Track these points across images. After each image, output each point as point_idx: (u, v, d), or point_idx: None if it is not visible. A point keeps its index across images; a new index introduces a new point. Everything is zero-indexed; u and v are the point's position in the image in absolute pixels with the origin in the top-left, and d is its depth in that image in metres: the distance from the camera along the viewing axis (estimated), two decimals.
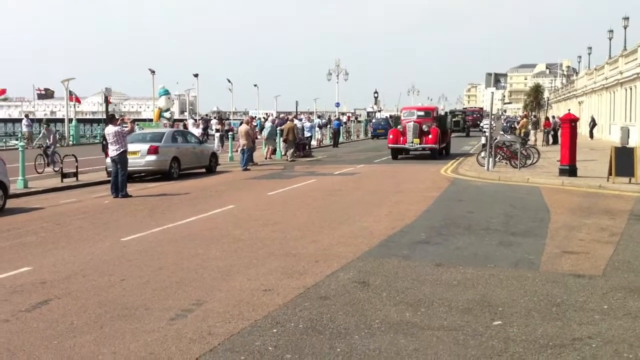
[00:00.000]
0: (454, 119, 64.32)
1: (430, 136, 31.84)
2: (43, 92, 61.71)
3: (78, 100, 56.02)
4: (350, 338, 6.44)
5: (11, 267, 9.66)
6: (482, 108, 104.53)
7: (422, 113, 33.60)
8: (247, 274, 9.11)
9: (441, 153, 33.79)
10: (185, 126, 58.60)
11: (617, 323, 6.83)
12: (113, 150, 18.54)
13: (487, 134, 25.96)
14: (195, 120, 62.62)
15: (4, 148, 41.12)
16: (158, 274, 9.15)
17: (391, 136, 33.19)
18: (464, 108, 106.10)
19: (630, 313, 7.18)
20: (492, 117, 28.24)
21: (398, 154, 33.09)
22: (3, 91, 52.70)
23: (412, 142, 31.95)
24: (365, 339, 6.40)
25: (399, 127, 33.24)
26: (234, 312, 7.31)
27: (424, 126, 31.93)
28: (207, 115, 74.82)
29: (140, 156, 22.53)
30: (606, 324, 6.81)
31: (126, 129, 19.17)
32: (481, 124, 73.65)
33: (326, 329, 6.73)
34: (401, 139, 32.24)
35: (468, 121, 70.39)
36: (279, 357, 5.95)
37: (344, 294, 8.03)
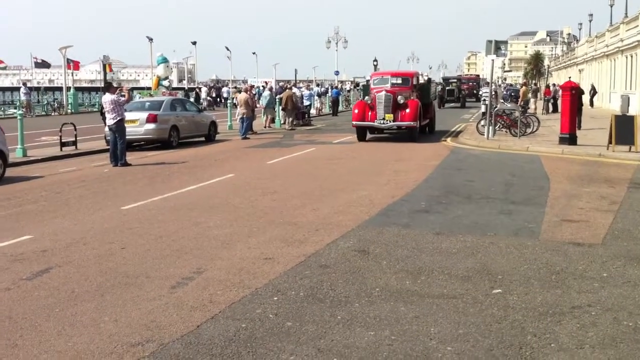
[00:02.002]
0: (447, 88, 59.46)
1: (407, 110, 24.44)
2: (40, 62, 61.36)
3: (77, 67, 55.58)
4: (350, 306, 6.47)
5: (12, 236, 9.67)
6: (479, 75, 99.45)
7: (397, 80, 26.00)
8: (247, 242, 9.13)
9: (424, 131, 27.42)
10: (198, 93, 59.54)
11: (617, 291, 6.85)
12: (110, 119, 18.50)
13: (487, 102, 25.87)
14: (209, 87, 62.94)
15: (3, 117, 40.98)
16: (159, 243, 9.16)
17: (356, 111, 25.42)
18: (458, 75, 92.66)
19: (629, 281, 7.21)
20: (492, 85, 28.00)
21: (365, 134, 25.77)
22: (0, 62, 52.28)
23: (384, 119, 24.46)
24: (365, 307, 6.43)
25: (366, 98, 25.95)
26: (234, 280, 7.33)
27: (399, 97, 24.58)
28: (218, 83, 74.78)
29: (139, 125, 22.45)
30: (606, 292, 6.84)
31: (123, 98, 19.07)
32: (480, 92, 72.13)
33: (327, 297, 6.76)
34: (369, 114, 24.82)
35: (463, 90, 62.99)
36: (280, 324, 5.98)
37: (344, 262, 8.05)
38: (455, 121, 36.78)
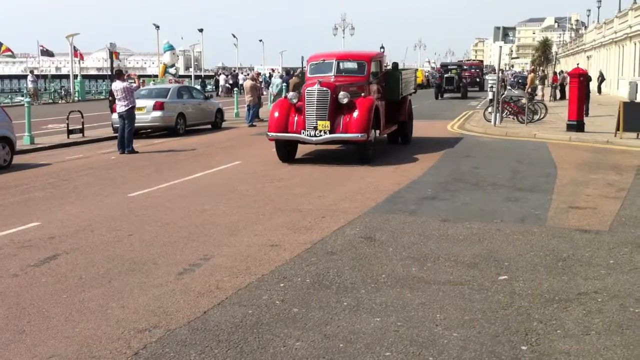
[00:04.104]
0: (446, 76, 51.72)
1: (354, 115, 15.40)
2: (46, 50, 61.46)
3: (81, 57, 55.73)
4: (356, 292, 6.48)
5: (19, 222, 9.71)
6: (482, 61, 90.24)
7: (346, 66, 17.53)
8: (253, 229, 9.14)
9: (395, 141, 19.62)
10: (217, 81, 59.92)
11: (624, 278, 6.85)
12: (121, 106, 18.48)
13: (494, 89, 25.77)
14: (227, 75, 63.30)
15: (10, 104, 41.05)
16: (166, 229, 9.19)
17: (276, 114, 15.95)
18: (459, 61, 79.61)
19: (636, 268, 7.20)
20: (500, 72, 27.76)
21: (292, 150, 16.41)
22: (8, 49, 52.28)
23: (316, 129, 15.38)
24: (371, 293, 6.44)
25: (290, 95, 16.58)
26: (241, 267, 7.35)
27: (341, 94, 15.51)
28: (234, 70, 74.97)
29: (146, 112, 22.43)
30: (612, 278, 6.84)
31: (134, 84, 19.09)
32: (487, 78, 69.59)
33: (333, 283, 6.77)
34: (295, 119, 15.71)
35: (464, 78, 54.40)
36: (286, 310, 6.00)
37: (350, 249, 8.06)
38: (432, 133, 36.49)
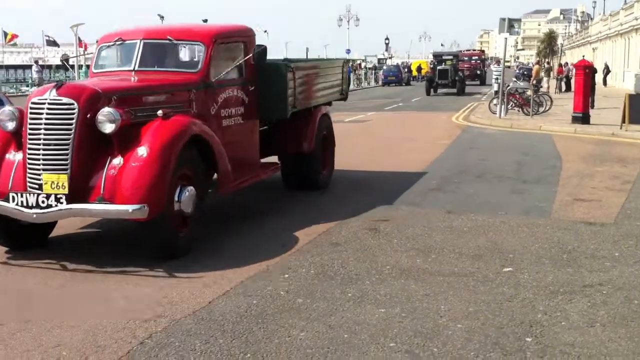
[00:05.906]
0: (439, 68, 43.21)
1: (133, 161, 6.77)
2: (52, 40, 61.41)
3: (86, 47, 55.71)
4: (361, 283, 6.48)
5: None
6: (483, 51, 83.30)
7: (164, 52, 8.74)
8: (258, 220, 9.14)
9: (302, 183, 10.92)
10: None
11: (629, 270, 6.84)
12: None
13: (499, 80, 25.69)
14: None
15: (15, 94, 41.02)
16: None
17: None
18: (458, 51, 68.73)
19: None
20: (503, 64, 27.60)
21: (15, 230, 7.41)
22: (15, 36, 52.29)
23: (40, 188, 6.71)
24: (376, 285, 6.44)
25: (3, 114, 7.57)
26: (246, 258, 7.35)
27: (102, 115, 6.75)
28: None
29: None
30: (617, 271, 6.83)
31: None
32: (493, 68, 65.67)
33: (337, 274, 6.77)
34: (13, 166, 7.07)
35: (462, 70, 46.54)
36: (290, 301, 6.01)
37: (354, 240, 8.06)
38: (463, 103, 36.32)
